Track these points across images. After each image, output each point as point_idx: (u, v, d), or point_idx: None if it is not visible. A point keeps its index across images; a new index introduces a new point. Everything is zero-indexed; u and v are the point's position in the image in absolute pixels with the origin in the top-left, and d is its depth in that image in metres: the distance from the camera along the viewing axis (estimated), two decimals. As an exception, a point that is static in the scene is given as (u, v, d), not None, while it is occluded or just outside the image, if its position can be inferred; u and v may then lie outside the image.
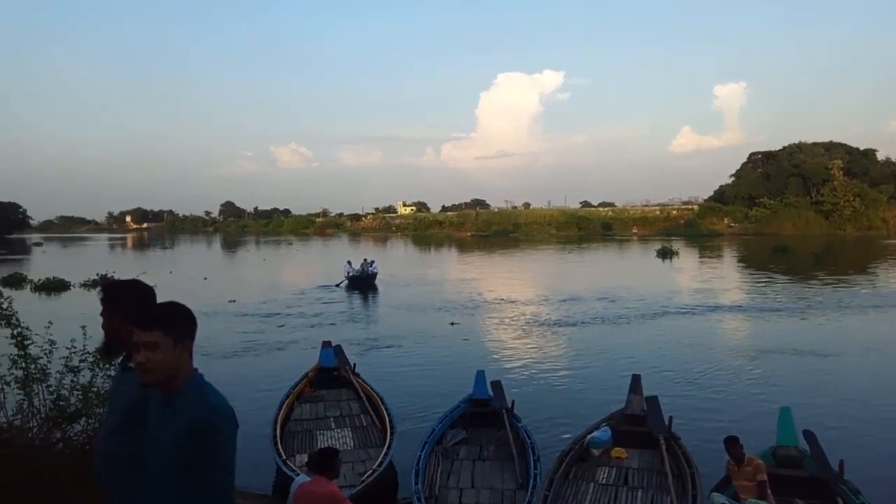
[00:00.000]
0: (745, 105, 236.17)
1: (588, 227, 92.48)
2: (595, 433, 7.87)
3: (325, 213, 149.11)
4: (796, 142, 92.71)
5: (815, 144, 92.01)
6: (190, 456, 2.25)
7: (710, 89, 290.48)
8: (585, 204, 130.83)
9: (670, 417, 7.91)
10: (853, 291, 25.58)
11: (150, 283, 2.88)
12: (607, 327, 18.66)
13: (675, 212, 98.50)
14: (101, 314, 2.81)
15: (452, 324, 19.42)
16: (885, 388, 12.00)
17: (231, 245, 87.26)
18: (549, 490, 6.69)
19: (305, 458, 7.98)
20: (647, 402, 8.28)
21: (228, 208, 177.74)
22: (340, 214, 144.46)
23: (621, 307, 21.90)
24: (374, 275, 30.95)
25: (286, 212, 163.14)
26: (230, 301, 23.86)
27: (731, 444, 6.49)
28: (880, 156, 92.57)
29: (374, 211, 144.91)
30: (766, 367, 13.68)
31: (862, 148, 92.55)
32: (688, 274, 34.95)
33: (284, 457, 7.80)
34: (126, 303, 2.74)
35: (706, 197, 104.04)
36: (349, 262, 31.80)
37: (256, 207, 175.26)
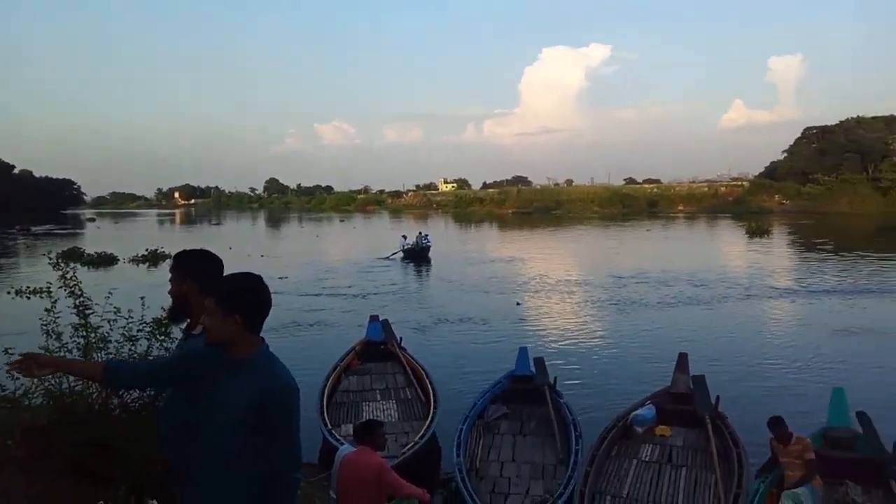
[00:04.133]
0: (801, 78, 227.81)
1: (632, 205, 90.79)
2: (639, 410, 7.82)
3: (366, 190, 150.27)
4: (854, 116, 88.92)
5: (874, 118, 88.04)
6: (260, 422, 2.41)
7: (765, 62, 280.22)
8: (630, 181, 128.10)
9: (717, 396, 7.79)
10: None
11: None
12: (657, 307, 18.37)
13: (723, 188, 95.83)
14: (171, 280, 2.98)
15: (518, 304, 19.33)
16: None
17: (276, 221, 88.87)
18: (590, 466, 6.70)
19: (350, 428, 8.18)
20: (694, 380, 8.17)
21: (272, 185, 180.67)
22: (382, 191, 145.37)
23: (675, 288, 21.45)
24: (428, 248, 32.74)
25: (328, 188, 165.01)
26: (281, 277, 24.42)
27: (776, 423, 6.34)
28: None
29: (415, 188, 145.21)
30: (825, 348, 13.33)
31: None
32: (762, 254, 33.75)
33: (330, 426, 8.00)
34: (196, 269, 2.92)
35: (757, 173, 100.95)
36: (404, 237, 33.95)
37: (300, 184, 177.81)
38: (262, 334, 2.60)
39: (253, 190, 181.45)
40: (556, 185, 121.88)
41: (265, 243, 47.84)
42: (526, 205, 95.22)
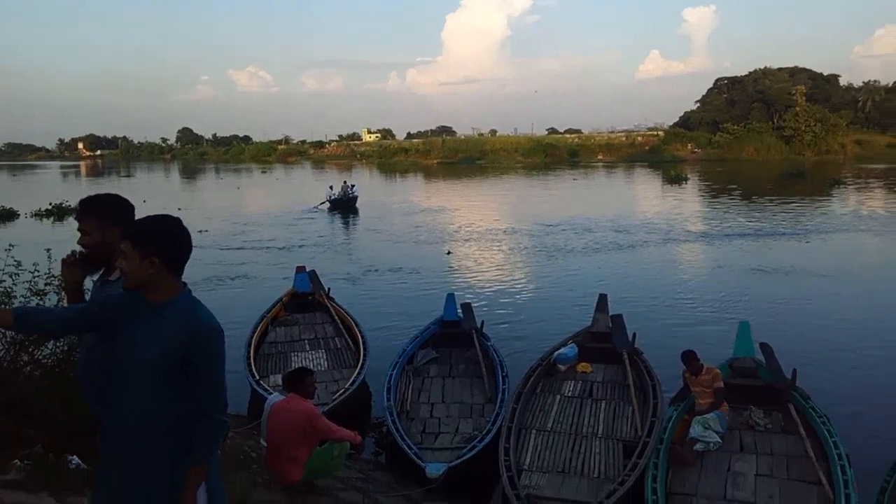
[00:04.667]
0: (714, 29, 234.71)
1: (555, 154, 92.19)
2: (562, 350, 8.14)
3: (287, 141, 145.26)
4: (761, 67, 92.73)
5: (779, 70, 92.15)
6: (183, 366, 2.37)
7: (680, 13, 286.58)
8: (552, 131, 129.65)
9: (634, 334, 8.22)
10: (863, 216, 25.61)
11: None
12: (581, 253, 18.89)
13: (640, 138, 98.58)
14: (84, 229, 2.83)
15: (448, 252, 19.36)
16: (844, 305, 12.53)
17: (192, 173, 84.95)
18: (517, 403, 6.96)
19: (279, 378, 8.13)
20: (613, 319, 8.57)
21: (185, 135, 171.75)
22: (303, 142, 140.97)
23: (598, 234, 22.08)
24: (355, 198, 32.44)
25: (246, 139, 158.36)
26: (201, 231, 23.53)
27: (688, 356, 6.78)
28: (843, 81, 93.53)
29: (338, 138, 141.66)
30: (733, 286, 14.19)
31: (826, 73, 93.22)
32: (677, 200, 35.02)
33: (258, 377, 7.92)
34: (120, 215, 2.80)
35: (671, 123, 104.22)
36: (331, 187, 33.55)
37: (215, 134, 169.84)
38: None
39: (165, 140, 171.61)
40: (481, 135, 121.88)
41: (182, 196, 45.88)
42: (451, 155, 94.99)
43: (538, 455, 6.28)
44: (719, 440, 6.15)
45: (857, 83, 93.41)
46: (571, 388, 7.58)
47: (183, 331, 2.36)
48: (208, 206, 35.87)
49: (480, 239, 22.01)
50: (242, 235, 23.55)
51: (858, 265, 16.60)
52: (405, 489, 5.79)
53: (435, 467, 5.87)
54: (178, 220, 2.49)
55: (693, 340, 9.08)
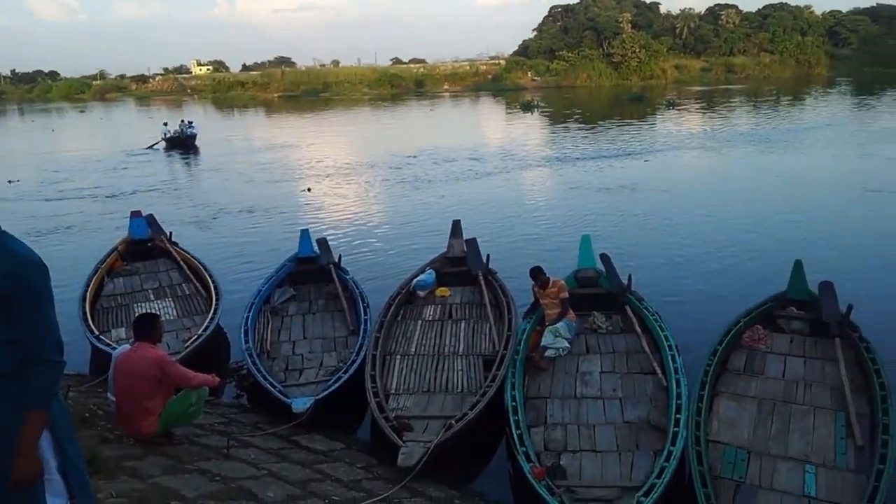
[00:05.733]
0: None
1: (401, 85, 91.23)
2: (420, 277, 8.29)
3: (102, 76, 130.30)
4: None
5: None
6: (4, 306, 2.17)
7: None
8: (396, 61, 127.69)
9: (487, 255, 8.53)
10: (691, 134, 27.77)
11: None
12: (436, 183, 19.03)
13: (483, 67, 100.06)
14: None
15: (309, 189, 18.60)
16: (676, 216, 13.81)
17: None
18: (379, 332, 7.04)
19: (123, 333, 7.57)
20: (467, 244, 8.82)
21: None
22: (123, 76, 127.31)
23: (452, 163, 22.26)
24: (194, 136, 30.13)
25: (53, 74, 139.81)
26: (11, 181, 20.68)
27: (536, 272, 7.19)
28: (663, 9, 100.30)
29: (163, 72, 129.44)
30: (577, 204, 15.16)
31: (648, 1, 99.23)
32: (528, 127, 36.01)
33: (97, 333, 7.30)
34: None
35: (512, 52, 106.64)
36: (165, 124, 31.01)
37: (14, 70, 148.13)
38: None
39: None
40: (323, 66, 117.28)
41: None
42: (292, 88, 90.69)
43: (404, 378, 6.43)
44: (568, 346, 6.64)
45: (675, 10, 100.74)
46: (431, 313, 7.78)
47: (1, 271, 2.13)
48: (18, 153, 31.64)
49: (339, 174, 21.41)
50: (64, 184, 20.96)
51: (690, 179, 18.38)
52: (273, 428, 5.69)
53: (301, 402, 5.82)
54: None
55: (541, 257, 9.69)
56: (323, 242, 9.22)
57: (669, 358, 6.08)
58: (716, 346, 6.12)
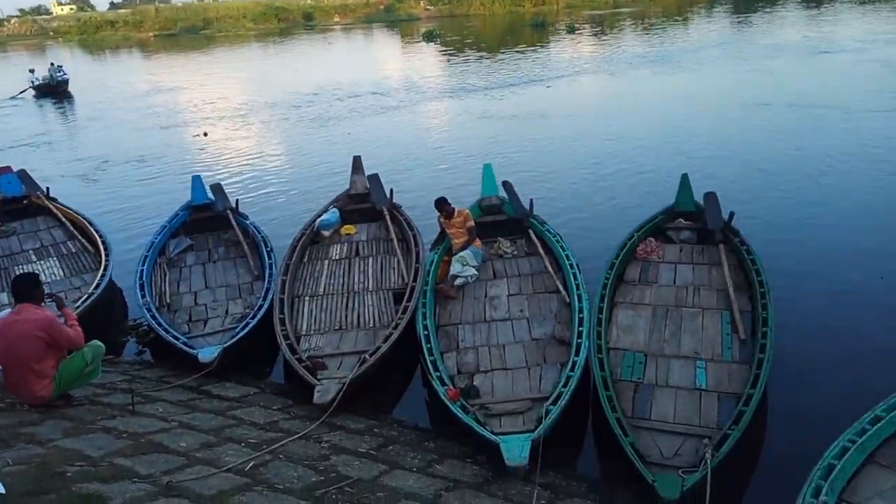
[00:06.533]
0: None
1: (288, 19, 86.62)
2: (324, 216, 8.12)
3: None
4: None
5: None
6: None
7: None
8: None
9: (391, 190, 8.46)
10: (592, 58, 27.85)
11: None
12: (337, 120, 18.40)
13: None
14: None
15: (205, 134, 17.48)
16: (576, 139, 14.14)
17: None
18: (286, 275, 6.90)
19: (4, 297, 7.02)
20: (370, 179, 8.68)
21: None
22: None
23: (354, 99, 21.49)
24: (66, 81, 27.90)
25: None
26: None
27: (441, 203, 7.21)
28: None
29: (19, 13, 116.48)
30: (479, 133, 15.17)
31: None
32: (426, 59, 34.97)
33: (-27, 302, 6.73)
34: None
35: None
36: (32, 70, 28.51)
37: None
38: None
39: None
40: (202, 0, 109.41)
41: None
42: (169, 25, 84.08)
43: (314, 319, 6.38)
44: (476, 273, 6.77)
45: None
46: (338, 251, 7.68)
47: None
48: None
49: (236, 116, 20.20)
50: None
51: (589, 102, 18.75)
52: (180, 380, 5.51)
53: (208, 351, 5.66)
54: None
55: (445, 188, 9.72)
56: (217, 188, 8.80)
57: (571, 276, 6.33)
58: (612, 260, 6.43)
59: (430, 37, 45.64)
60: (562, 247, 6.93)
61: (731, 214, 6.78)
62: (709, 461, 3.92)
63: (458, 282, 6.60)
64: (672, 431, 4.46)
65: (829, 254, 7.60)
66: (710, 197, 7.09)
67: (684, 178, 7.37)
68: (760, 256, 6.21)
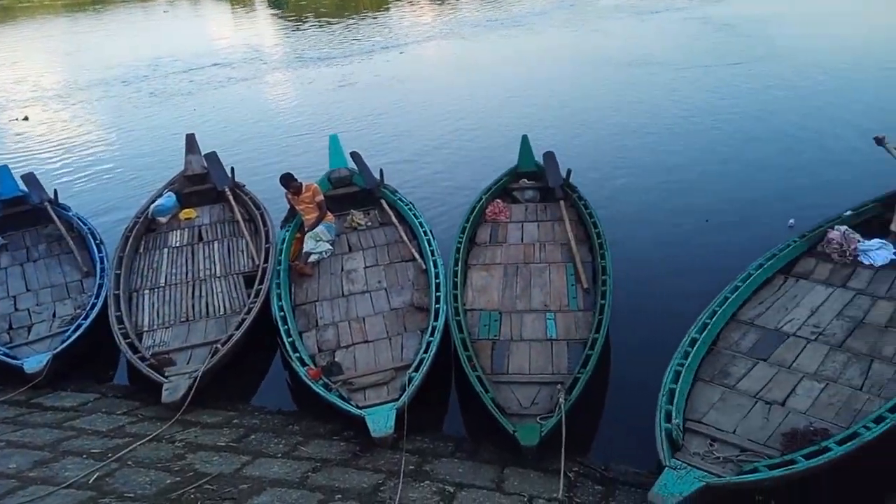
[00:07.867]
0: None
1: (103, -13, 78.71)
2: (158, 201, 7.56)
3: None
4: None
5: None
6: None
7: None
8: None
9: (231, 168, 7.98)
10: (442, 23, 27.24)
11: None
12: (173, 96, 16.91)
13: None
14: None
15: (25, 118, 15.37)
16: (425, 107, 14.05)
17: None
18: (119, 268, 6.36)
19: None
20: (207, 158, 8.12)
21: None
22: None
23: (193, 73, 19.64)
24: None
25: None
26: None
27: (287, 179, 6.90)
28: None
29: None
30: (325, 104, 14.62)
31: None
32: (266, 27, 32.82)
33: None
34: None
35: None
36: None
37: None
38: None
39: None
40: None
41: None
42: (-43, -4, 73.31)
43: (157, 312, 5.94)
44: (330, 247, 6.63)
45: None
46: (178, 238, 7.18)
47: None
48: None
49: (59, 97, 17.80)
50: None
51: (436, 68, 18.64)
52: (5, 396, 4.92)
53: (35, 360, 5.10)
54: None
55: (291, 163, 9.35)
56: (30, 178, 7.84)
57: (426, 243, 6.39)
58: (463, 223, 6.57)
59: (277, 3, 43.46)
60: (414, 214, 6.96)
61: (569, 172, 7.14)
62: (562, 405, 4.16)
63: (312, 258, 6.43)
64: (528, 382, 4.68)
65: (660, 203, 8.19)
66: (549, 156, 7.41)
67: (524, 139, 7.64)
68: (597, 210, 6.62)
